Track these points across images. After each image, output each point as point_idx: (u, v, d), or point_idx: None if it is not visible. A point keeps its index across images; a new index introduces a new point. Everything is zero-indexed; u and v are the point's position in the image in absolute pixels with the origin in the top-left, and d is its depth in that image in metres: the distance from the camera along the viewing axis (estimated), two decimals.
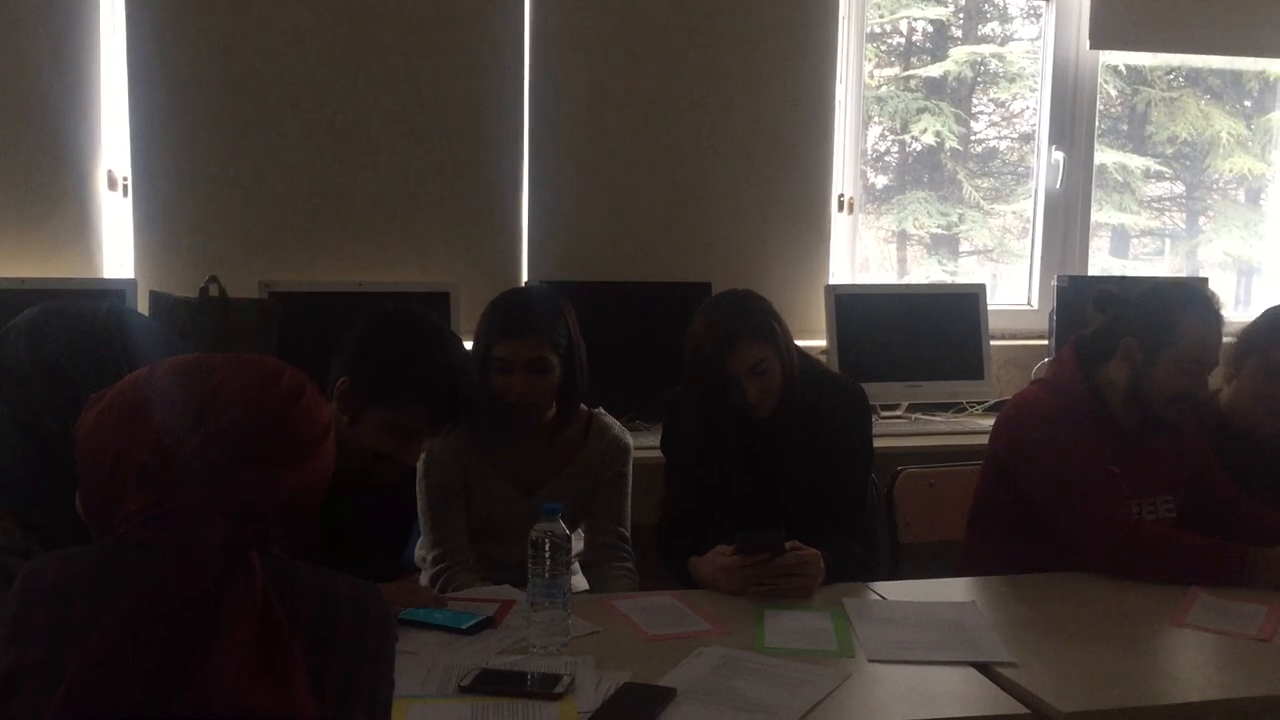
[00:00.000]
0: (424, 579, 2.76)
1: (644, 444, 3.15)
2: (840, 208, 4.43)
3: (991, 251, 5.11)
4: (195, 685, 1.26)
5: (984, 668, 2.12)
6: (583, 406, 2.83)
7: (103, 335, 1.78)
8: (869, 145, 4.73)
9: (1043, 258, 4.70)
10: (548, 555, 2.16)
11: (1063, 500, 2.68)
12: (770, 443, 2.75)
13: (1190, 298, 2.78)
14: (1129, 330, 2.75)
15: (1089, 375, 2.81)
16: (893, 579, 2.97)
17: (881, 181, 4.95)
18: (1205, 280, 4.35)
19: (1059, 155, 4.65)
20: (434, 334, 2.47)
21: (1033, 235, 4.75)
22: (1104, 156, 4.82)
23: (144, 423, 1.37)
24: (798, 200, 4.34)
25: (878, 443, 2.97)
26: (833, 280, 4.36)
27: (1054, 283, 4.32)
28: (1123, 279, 4.68)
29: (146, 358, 1.74)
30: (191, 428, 1.35)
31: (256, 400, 1.39)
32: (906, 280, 4.94)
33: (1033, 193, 4.76)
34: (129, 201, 3.85)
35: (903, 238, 5.01)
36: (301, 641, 1.32)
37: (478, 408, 2.54)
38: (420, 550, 2.84)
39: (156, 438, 1.36)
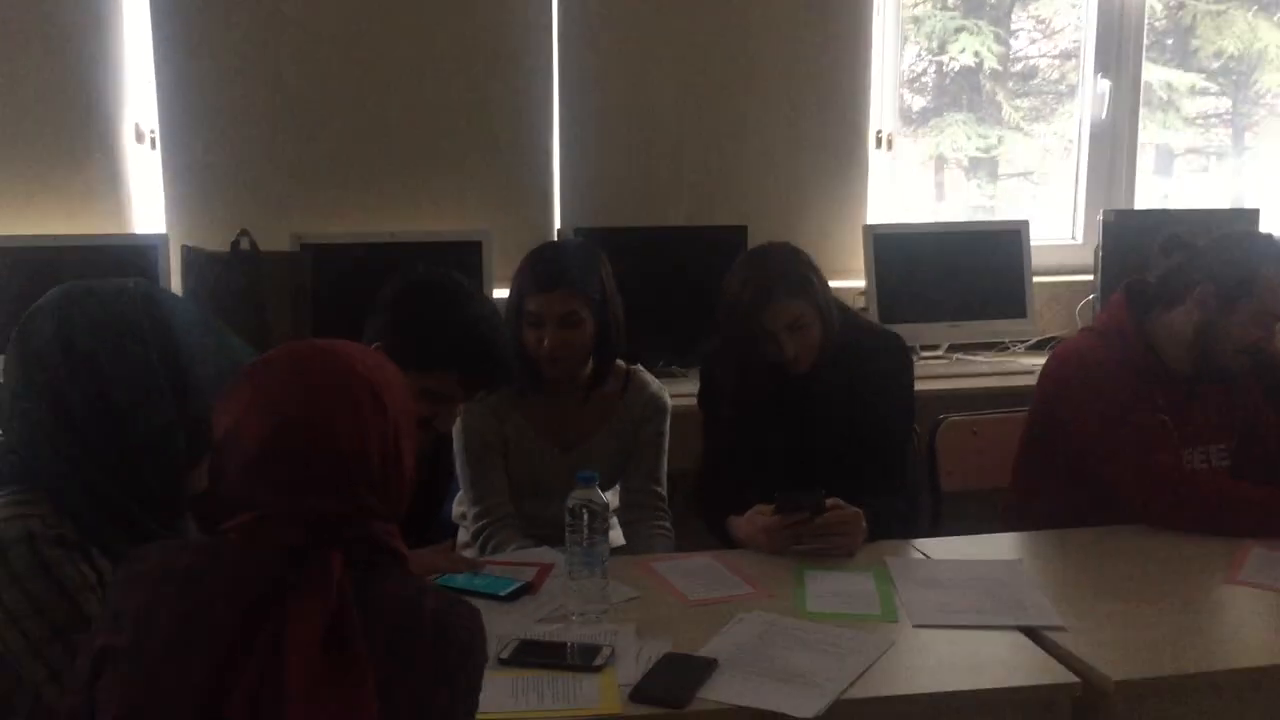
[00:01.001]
0: (464, 535, 2.76)
1: (680, 391, 3.10)
2: (878, 144, 4.32)
3: (1032, 174, 4.99)
4: (248, 687, 1.28)
5: (1031, 632, 2.08)
6: (621, 363, 2.80)
7: (129, 315, 1.76)
8: (905, 67, 4.60)
9: (1088, 189, 4.56)
10: (585, 524, 2.15)
11: (1112, 450, 2.63)
12: (809, 397, 2.70)
13: (1272, 249, 2.69)
14: (1206, 276, 2.66)
15: (1142, 321, 2.73)
16: (935, 530, 2.95)
17: (918, 104, 4.83)
18: (1257, 211, 4.24)
19: (1105, 83, 4.50)
20: (463, 298, 2.42)
21: (1077, 167, 4.60)
22: (1148, 74, 4.66)
23: (227, 433, 1.40)
24: (834, 139, 4.24)
25: (919, 386, 2.93)
26: (870, 219, 4.26)
27: (1099, 217, 4.19)
28: (1177, 213, 4.52)
29: (174, 338, 1.75)
30: (258, 441, 1.37)
31: (324, 423, 1.38)
32: (944, 205, 4.84)
33: (1077, 122, 4.61)
34: (157, 155, 3.81)
35: (940, 161, 4.90)
36: (378, 654, 1.32)
37: (510, 371, 2.51)
38: (459, 506, 2.82)
39: (235, 449, 1.39)
